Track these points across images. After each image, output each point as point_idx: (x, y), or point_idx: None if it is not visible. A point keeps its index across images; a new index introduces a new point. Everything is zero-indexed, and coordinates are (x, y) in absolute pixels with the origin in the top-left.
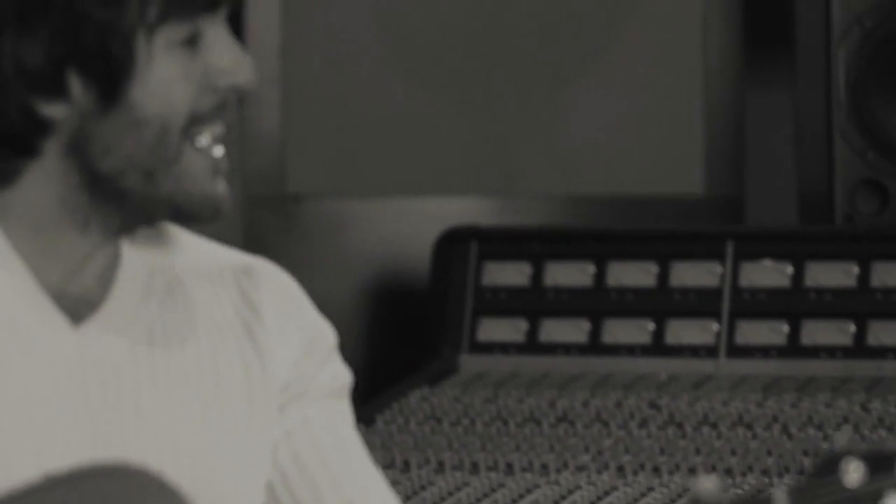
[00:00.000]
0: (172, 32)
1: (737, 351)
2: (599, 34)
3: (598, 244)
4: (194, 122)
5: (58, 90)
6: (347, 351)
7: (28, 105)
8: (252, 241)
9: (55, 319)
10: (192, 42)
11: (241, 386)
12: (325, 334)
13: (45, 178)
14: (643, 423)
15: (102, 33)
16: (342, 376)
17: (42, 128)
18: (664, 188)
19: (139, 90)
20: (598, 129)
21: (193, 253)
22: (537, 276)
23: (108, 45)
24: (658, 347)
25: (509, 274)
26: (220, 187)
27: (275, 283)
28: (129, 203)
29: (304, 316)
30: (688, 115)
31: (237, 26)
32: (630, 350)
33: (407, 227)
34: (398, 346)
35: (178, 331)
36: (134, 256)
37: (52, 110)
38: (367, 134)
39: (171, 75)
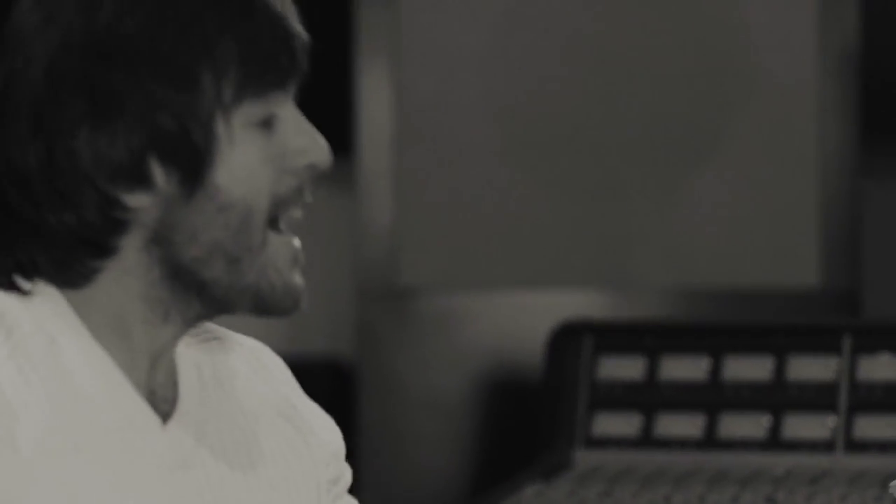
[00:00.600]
0: (248, 113)
1: (855, 446)
2: (714, 127)
3: (714, 338)
4: (276, 205)
5: (140, 180)
6: (462, 445)
7: (111, 198)
8: (365, 335)
9: (149, 419)
10: (267, 124)
11: (295, 467)
12: (336, 428)
13: (124, 275)
14: None
15: (181, 118)
16: (349, 473)
17: (123, 224)
18: (779, 281)
19: (222, 173)
20: (712, 221)
21: (212, 340)
22: (652, 370)
23: (187, 130)
24: (774, 442)
25: (624, 368)
26: (299, 279)
27: (282, 371)
28: (212, 293)
29: (312, 405)
30: (803, 207)
31: (350, 119)
32: (746, 445)
33: (520, 320)
34: (512, 440)
35: (233, 420)
36: (189, 344)
37: (136, 200)
38: (480, 227)
39: (251, 157)
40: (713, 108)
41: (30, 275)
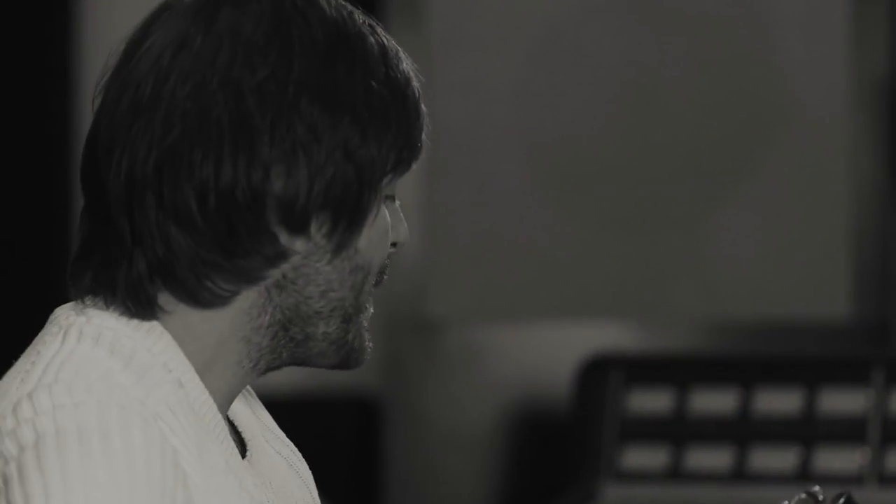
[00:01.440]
0: (392, 184)
1: (886, 479)
2: (745, 158)
3: (743, 370)
4: (381, 273)
5: (301, 228)
6: (489, 478)
7: (274, 235)
8: (392, 367)
9: (237, 453)
10: (392, 198)
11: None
12: None
13: (239, 313)
14: None
15: (360, 175)
16: None
17: (275, 260)
18: (810, 313)
19: (365, 237)
20: (743, 252)
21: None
22: (681, 402)
23: (361, 187)
24: (804, 475)
25: (653, 400)
26: (370, 345)
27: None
28: (311, 347)
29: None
30: (834, 238)
31: None
32: (775, 479)
33: (548, 352)
34: (540, 473)
35: (268, 455)
36: None
37: (295, 244)
38: (509, 259)
39: (384, 226)
40: (744, 139)
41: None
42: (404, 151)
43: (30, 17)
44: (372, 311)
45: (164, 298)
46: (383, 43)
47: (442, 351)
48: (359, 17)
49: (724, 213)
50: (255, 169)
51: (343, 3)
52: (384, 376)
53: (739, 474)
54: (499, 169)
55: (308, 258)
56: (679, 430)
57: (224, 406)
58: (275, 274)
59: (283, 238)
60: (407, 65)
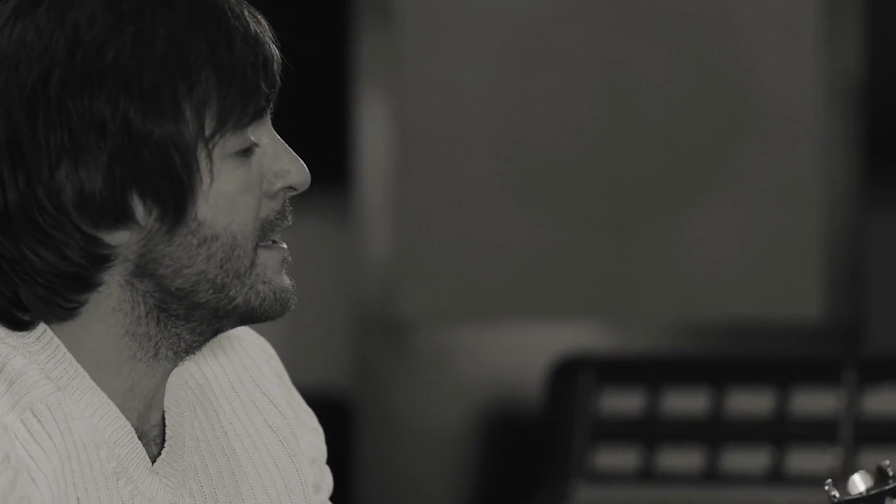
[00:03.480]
0: (229, 144)
1: None
2: (717, 159)
3: (715, 371)
4: (262, 230)
5: (121, 216)
6: (460, 479)
7: (91, 237)
8: (362, 368)
9: (142, 464)
10: (247, 152)
11: (280, 486)
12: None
13: (110, 312)
14: None
15: (163, 151)
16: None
17: (104, 259)
18: (782, 313)
19: (203, 206)
20: (714, 253)
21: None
22: (653, 403)
23: (170, 164)
24: (776, 476)
25: (624, 401)
26: (288, 281)
27: (268, 357)
28: (200, 317)
29: (300, 400)
30: (806, 239)
31: (348, 150)
32: (747, 479)
33: (519, 352)
34: (511, 474)
35: (218, 446)
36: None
37: (116, 238)
38: (479, 259)
39: (232, 187)
40: (716, 140)
41: (23, 310)
42: (227, 104)
43: None
44: (284, 250)
45: (33, 315)
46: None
47: (412, 351)
48: None
49: (696, 214)
50: (37, 183)
51: None
52: (354, 377)
53: (711, 475)
54: (470, 170)
55: (150, 243)
56: (651, 431)
57: (133, 401)
58: (124, 267)
59: (104, 236)
60: (222, 17)
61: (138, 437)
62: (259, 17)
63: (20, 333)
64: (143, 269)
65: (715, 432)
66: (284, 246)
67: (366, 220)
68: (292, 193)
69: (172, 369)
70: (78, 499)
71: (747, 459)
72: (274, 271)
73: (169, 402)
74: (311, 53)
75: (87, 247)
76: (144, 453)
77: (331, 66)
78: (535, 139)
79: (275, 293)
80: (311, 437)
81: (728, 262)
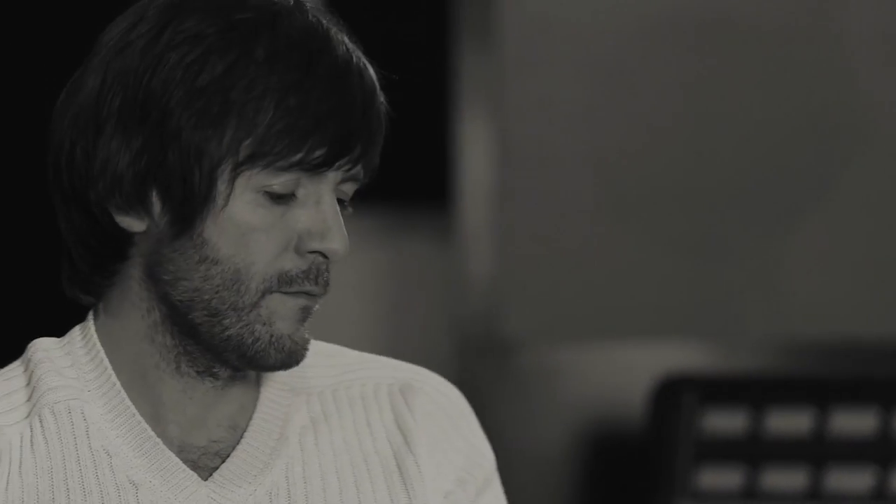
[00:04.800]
0: (256, 179)
1: None
2: (819, 176)
3: (819, 390)
4: (280, 280)
5: (135, 204)
6: (563, 498)
7: (107, 212)
8: (464, 388)
9: (179, 475)
10: (282, 198)
11: None
12: (482, 461)
13: (132, 310)
14: None
15: (186, 156)
16: None
17: (120, 243)
18: (885, 332)
19: (212, 227)
20: (817, 271)
21: (351, 374)
22: (757, 423)
23: (188, 171)
24: (880, 496)
25: (728, 421)
26: (292, 331)
27: (432, 403)
28: (201, 339)
29: (460, 439)
30: None
31: (450, 169)
32: (851, 499)
33: (622, 372)
34: (614, 494)
35: (320, 470)
36: (278, 392)
37: (126, 221)
38: (582, 279)
39: (247, 222)
40: (819, 157)
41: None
42: (268, 140)
43: None
44: (302, 304)
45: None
46: (282, 49)
47: (515, 371)
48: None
49: (798, 233)
50: (90, 132)
51: None
52: None
53: (815, 495)
54: (572, 189)
55: (157, 244)
56: (754, 451)
57: (166, 412)
58: (136, 264)
59: (118, 217)
60: (321, 66)
61: (182, 448)
62: (368, 82)
63: (72, 332)
64: (152, 270)
65: (819, 452)
66: (306, 299)
67: (468, 241)
68: (324, 261)
69: (217, 391)
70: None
71: (851, 479)
72: (281, 317)
73: (260, 422)
74: (413, 73)
75: (105, 222)
76: (176, 463)
77: (432, 85)
78: (635, 158)
79: (271, 337)
80: (453, 466)
81: (830, 281)
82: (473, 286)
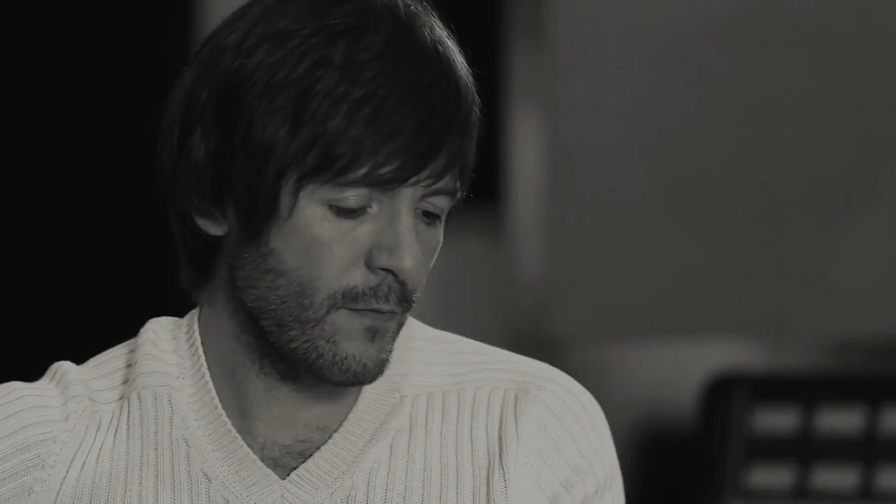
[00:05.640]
0: (321, 193)
1: None
2: (874, 172)
3: (871, 389)
4: (346, 295)
5: (215, 207)
6: None
7: (185, 213)
8: None
9: (256, 473)
10: (353, 211)
11: None
12: (594, 470)
13: (222, 306)
14: None
15: (256, 160)
16: None
17: (207, 244)
18: None
19: (277, 237)
20: (871, 269)
21: (469, 375)
22: (808, 421)
23: (256, 176)
24: None
25: (779, 419)
26: (359, 351)
27: (546, 411)
28: (278, 350)
29: (571, 449)
30: None
31: (501, 167)
32: None
33: (673, 370)
34: (665, 492)
35: (405, 477)
36: (379, 394)
37: (207, 226)
38: (633, 276)
39: (311, 235)
40: (870, 155)
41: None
42: (334, 154)
43: (149, 22)
44: (370, 324)
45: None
46: (382, 65)
47: (565, 369)
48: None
49: (850, 231)
50: (172, 151)
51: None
52: None
53: (866, 493)
54: (622, 186)
55: (235, 248)
56: (805, 449)
57: (251, 409)
58: (224, 263)
59: (198, 219)
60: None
61: (266, 446)
62: (454, 94)
63: (189, 315)
64: (233, 274)
65: (870, 450)
66: (373, 318)
67: (519, 238)
68: (394, 279)
69: (303, 394)
70: (140, 492)
71: None
72: (345, 335)
73: (354, 423)
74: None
75: (188, 223)
76: (253, 460)
77: (484, 83)
78: (688, 155)
79: (335, 356)
80: (550, 478)
81: (884, 280)
82: (524, 284)
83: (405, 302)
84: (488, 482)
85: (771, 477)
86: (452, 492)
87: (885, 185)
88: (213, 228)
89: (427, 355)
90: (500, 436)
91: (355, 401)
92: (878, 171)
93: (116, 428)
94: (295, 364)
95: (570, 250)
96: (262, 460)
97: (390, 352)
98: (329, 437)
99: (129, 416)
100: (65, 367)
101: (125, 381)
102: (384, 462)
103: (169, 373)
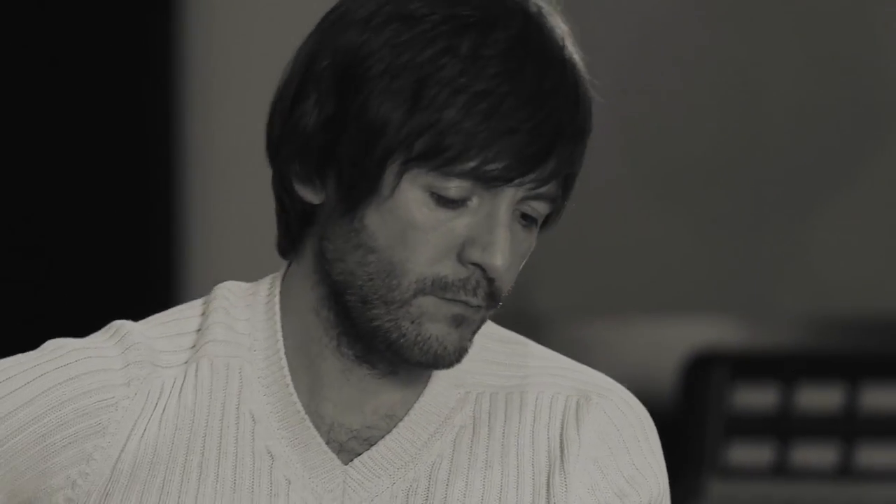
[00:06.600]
0: (430, 178)
1: None
2: (852, 155)
3: (850, 367)
4: (435, 284)
5: (316, 175)
6: None
7: (285, 176)
8: None
9: (320, 456)
10: (454, 202)
11: None
12: (646, 484)
13: (305, 279)
14: None
15: (366, 135)
16: None
17: (303, 209)
18: None
19: (374, 215)
20: (850, 247)
21: (530, 379)
22: (787, 398)
23: (363, 151)
24: None
25: (758, 397)
26: (442, 333)
27: (607, 420)
28: (359, 328)
29: (627, 461)
30: None
31: None
32: (883, 476)
33: (653, 347)
34: None
35: (467, 473)
36: (444, 387)
37: (305, 193)
38: (613, 255)
39: (408, 219)
40: (851, 134)
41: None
42: (442, 143)
43: (132, 21)
44: (456, 312)
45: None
46: (502, 49)
47: (546, 346)
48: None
49: (830, 209)
50: (283, 114)
51: None
52: None
53: (846, 470)
54: (602, 166)
55: (329, 219)
56: (784, 427)
57: (322, 388)
58: (315, 234)
59: (297, 185)
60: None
61: (333, 428)
62: (573, 102)
63: (262, 282)
64: (322, 245)
65: (849, 428)
66: (462, 308)
67: None
68: (483, 275)
69: (376, 379)
70: (201, 464)
71: (882, 455)
72: (431, 318)
73: (419, 414)
74: None
75: (287, 188)
76: (319, 442)
77: None
78: (666, 136)
79: (417, 336)
80: (604, 487)
81: (862, 258)
82: None
83: (492, 298)
84: (549, 485)
85: (750, 454)
86: (513, 493)
87: (865, 164)
88: (311, 196)
89: (493, 355)
90: (561, 440)
91: (422, 392)
92: (857, 152)
93: (180, 394)
94: (374, 343)
95: (550, 228)
96: (328, 443)
97: (470, 342)
98: (395, 426)
99: (196, 383)
100: (126, 326)
101: (193, 346)
102: (447, 457)
103: (241, 343)
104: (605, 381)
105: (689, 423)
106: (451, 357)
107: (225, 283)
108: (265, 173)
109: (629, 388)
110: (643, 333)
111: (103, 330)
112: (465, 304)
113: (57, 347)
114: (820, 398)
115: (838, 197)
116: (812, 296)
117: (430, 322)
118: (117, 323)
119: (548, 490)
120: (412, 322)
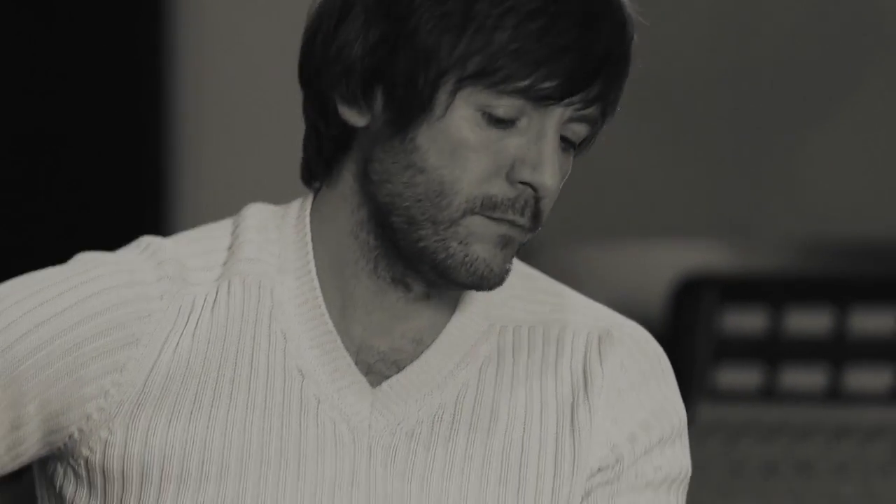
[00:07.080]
0: (476, 98)
1: None
2: (843, 78)
3: (839, 290)
4: (484, 203)
5: (362, 97)
6: None
7: (332, 98)
8: None
9: (349, 376)
10: (504, 122)
11: (547, 470)
12: (664, 419)
13: (343, 201)
14: (886, 474)
15: (415, 58)
16: (670, 469)
17: (343, 132)
18: None
19: (425, 134)
20: (840, 171)
21: (553, 314)
22: (776, 322)
23: (416, 72)
24: None
25: (747, 320)
26: (488, 254)
27: (628, 355)
28: (398, 244)
29: (647, 395)
30: None
31: None
32: (870, 398)
33: (642, 271)
34: None
35: (492, 402)
36: (470, 318)
37: (350, 115)
38: (600, 179)
39: (460, 137)
40: (840, 57)
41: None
42: (496, 63)
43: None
44: (502, 233)
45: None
46: None
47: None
48: None
49: (818, 132)
50: (327, 36)
51: None
52: None
53: (834, 394)
54: None
55: (373, 143)
56: (773, 350)
57: (354, 310)
58: (354, 159)
59: (342, 107)
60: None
61: (361, 349)
62: (620, 25)
63: (291, 205)
64: (366, 168)
65: (838, 351)
66: (509, 227)
67: None
68: (532, 194)
69: (408, 304)
70: (233, 379)
71: (870, 378)
72: (479, 239)
73: (445, 341)
74: None
75: (330, 110)
76: (349, 363)
77: None
78: (655, 58)
79: (465, 257)
80: (629, 419)
81: (852, 181)
82: None
83: (536, 220)
84: (573, 415)
85: (739, 377)
86: (537, 422)
87: (853, 87)
88: (356, 118)
89: (514, 290)
90: (584, 372)
91: (449, 321)
92: (846, 74)
93: (213, 310)
94: (419, 264)
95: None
96: (357, 363)
97: (510, 266)
98: (422, 352)
99: (228, 300)
100: (158, 241)
101: (224, 263)
102: (472, 386)
103: (271, 263)
104: (622, 318)
105: (678, 346)
106: (495, 278)
107: (255, 203)
108: (255, 114)
109: (619, 312)
110: (632, 258)
111: (134, 244)
112: (512, 223)
113: (90, 260)
114: (809, 321)
115: (828, 121)
116: (801, 220)
117: (478, 243)
118: (148, 238)
119: (572, 420)
120: (460, 242)
